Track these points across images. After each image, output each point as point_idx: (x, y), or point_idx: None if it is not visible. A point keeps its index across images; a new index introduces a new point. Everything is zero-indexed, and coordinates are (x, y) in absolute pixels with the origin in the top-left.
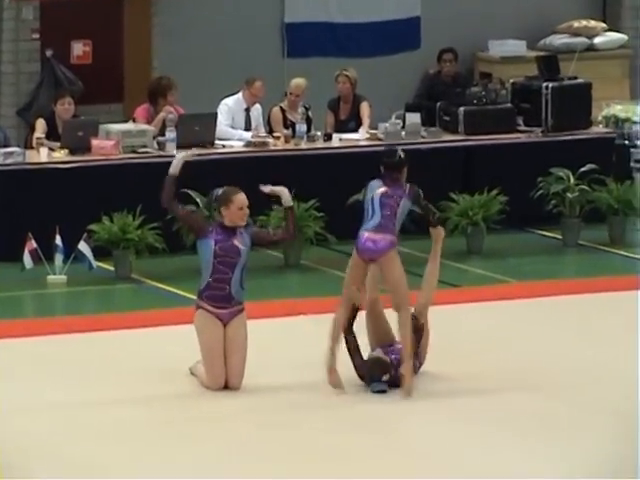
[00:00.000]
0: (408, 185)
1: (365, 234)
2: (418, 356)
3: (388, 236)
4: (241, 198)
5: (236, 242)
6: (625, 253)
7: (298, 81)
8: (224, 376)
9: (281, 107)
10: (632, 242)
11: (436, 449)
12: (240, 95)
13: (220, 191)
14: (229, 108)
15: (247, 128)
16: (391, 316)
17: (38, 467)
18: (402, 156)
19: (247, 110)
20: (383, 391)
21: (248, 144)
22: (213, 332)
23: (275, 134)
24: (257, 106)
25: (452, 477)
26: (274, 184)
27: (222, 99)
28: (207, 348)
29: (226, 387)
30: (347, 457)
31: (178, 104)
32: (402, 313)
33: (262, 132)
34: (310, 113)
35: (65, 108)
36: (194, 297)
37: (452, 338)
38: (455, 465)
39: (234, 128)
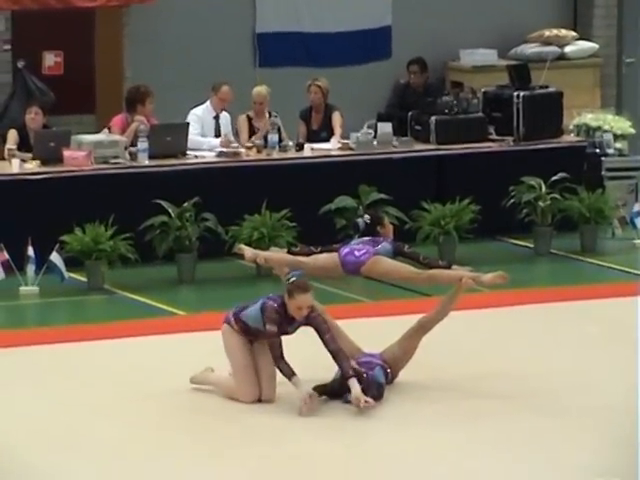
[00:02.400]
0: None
1: (346, 248)
2: (392, 370)
3: (371, 248)
4: (303, 298)
5: (289, 329)
6: (597, 261)
7: (259, 89)
8: (258, 388)
9: (248, 115)
10: (604, 250)
11: (406, 456)
12: (208, 103)
13: (295, 277)
14: (198, 118)
15: (217, 136)
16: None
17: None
18: (367, 221)
19: (216, 118)
20: None
21: (220, 154)
22: (244, 347)
23: (247, 144)
24: (225, 114)
25: None
26: (246, 194)
27: (191, 109)
28: (241, 364)
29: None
30: (319, 465)
31: (154, 114)
32: (422, 276)
33: (231, 139)
34: (278, 120)
35: (32, 118)
36: (167, 307)
37: (423, 346)
38: (425, 472)
39: (204, 136)
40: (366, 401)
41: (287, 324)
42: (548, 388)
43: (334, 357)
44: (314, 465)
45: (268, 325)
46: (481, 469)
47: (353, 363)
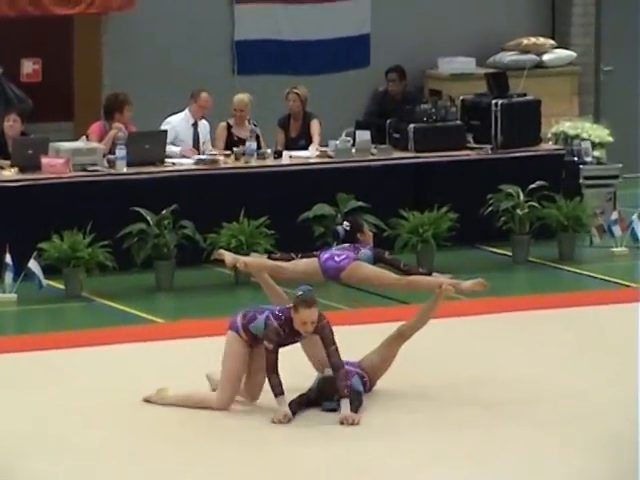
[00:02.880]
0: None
1: (326, 254)
2: (371, 379)
3: (351, 254)
4: (307, 313)
5: (297, 339)
6: (575, 269)
7: (240, 96)
8: (233, 400)
9: (228, 123)
10: (581, 258)
11: (383, 465)
12: (187, 111)
13: (302, 292)
14: (172, 127)
15: (195, 144)
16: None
17: None
18: (347, 228)
19: (195, 125)
20: (334, 410)
21: (198, 162)
22: (244, 358)
23: (225, 151)
24: (204, 122)
25: None
26: (224, 202)
27: (167, 117)
28: (234, 374)
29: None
30: (293, 473)
31: (132, 123)
32: (402, 282)
33: (209, 148)
34: (257, 128)
35: (10, 125)
36: (145, 315)
37: (402, 354)
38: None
39: (177, 145)
40: (353, 421)
41: (293, 337)
42: (528, 396)
43: (334, 371)
44: (289, 472)
45: (266, 342)
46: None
47: (330, 370)
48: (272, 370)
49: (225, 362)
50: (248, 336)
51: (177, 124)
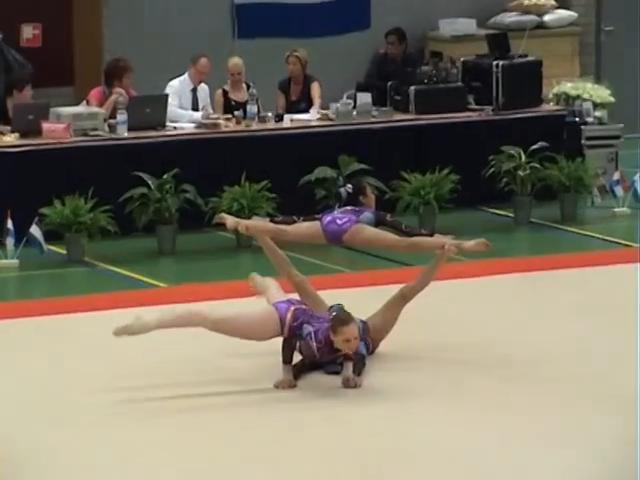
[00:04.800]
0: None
1: (328, 217)
2: (373, 341)
3: (353, 217)
4: (347, 331)
5: (336, 355)
6: (576, 230)
7: (235, 60)
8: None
9: (223, 89)
10: (583, 219)
11: (384, 425)
12: (186, 75)
13: (335, 312)
14: (175, 89)
15: (194, 108)
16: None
17: None
18: (350, 191)
19: (194, 90)
20: (337, 372)
21: (199, 126)
22: (261, 334)
23: (226, 115)
24: (203, 86)
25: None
26: (226, 165)
27: (169, 81)
28: (243, 332)
29: None
30: (292, 437)
31: (132, 87)
32: (404, 243)
33: (210, 111)
34: (255, 90)
35: (31, 93)
36: (147, 279)
37: (404, 316)
38: (411, 443)
39: (182, 109)
40: (355, 383)
41: (332, 354)
42: (530, 357)
43: None
44: (290, 436)
45: (297, 341)
46: (474, 441)
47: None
48: (290, 343)
49: (248, 321)
50: (289, 333)
51: (179, 88)
